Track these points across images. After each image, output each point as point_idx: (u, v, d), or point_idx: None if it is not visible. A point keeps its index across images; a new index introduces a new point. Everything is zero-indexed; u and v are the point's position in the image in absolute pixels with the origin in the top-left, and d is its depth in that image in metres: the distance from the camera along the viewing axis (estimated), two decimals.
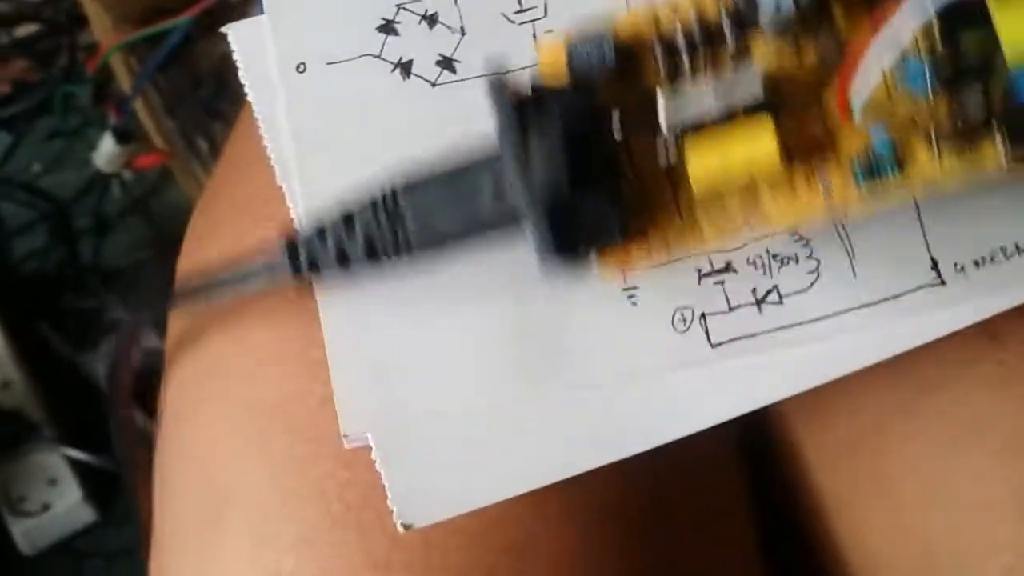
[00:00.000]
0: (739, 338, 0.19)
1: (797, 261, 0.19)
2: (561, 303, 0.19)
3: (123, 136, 0.54)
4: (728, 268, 0.19)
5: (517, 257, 0.18)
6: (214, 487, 0.20)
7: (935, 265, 0.19)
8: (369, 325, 0.19)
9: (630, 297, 0.19)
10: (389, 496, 0.18)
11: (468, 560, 0.19)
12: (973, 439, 0.20)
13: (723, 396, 0.18)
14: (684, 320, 0.19)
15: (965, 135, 0.16)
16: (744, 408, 0.18)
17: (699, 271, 0.19)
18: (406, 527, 0.18)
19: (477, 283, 0.19)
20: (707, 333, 0.19)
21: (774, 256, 0.19)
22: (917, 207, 0.19)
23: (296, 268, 0.18)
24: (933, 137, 0.16)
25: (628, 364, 0.18)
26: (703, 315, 0.19)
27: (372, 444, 0.18)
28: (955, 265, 0.18)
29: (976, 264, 0.19)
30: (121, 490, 0.56)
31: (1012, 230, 0.19)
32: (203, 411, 0.21)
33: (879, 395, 0.21)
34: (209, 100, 0.49)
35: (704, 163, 0.16)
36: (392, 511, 0.18)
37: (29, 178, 0.64)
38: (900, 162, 0.16)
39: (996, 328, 0.19)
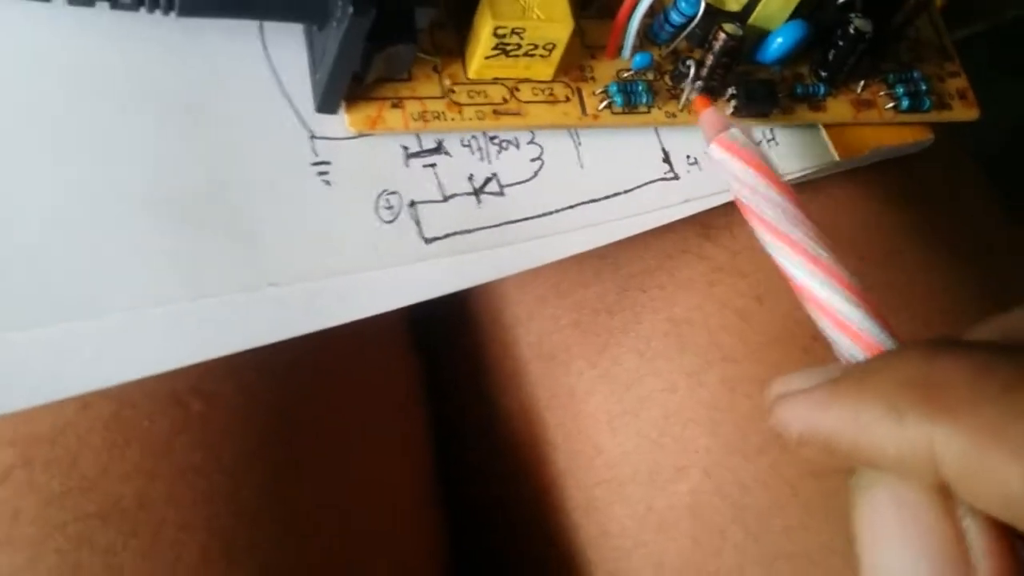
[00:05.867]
0: (456, 233, 0.15)
1: (518, 146, 0.16)
2: (244, 167, 0.14)
3: None
4: (440, 149, 0.15)
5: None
6: None
7: (667, 157, 0.16)
8: None
9: (321, 174, 0.14)
10: None
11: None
12: (673, 344, 0.18)
13: (424, 282, 0.15)
14: (390, 207, 0.15)
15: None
16: (445, 290, 0.15)
17: (405, 149, 0.15)
18: None
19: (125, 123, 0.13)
20: (419, 224, 0.15)
21: (491, 138, 0.16)
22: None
23: None
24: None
25: (320, 259, 0.14)
26: (412, 203, 0.15)
27: None
28: (687, 157, 0.16)
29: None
30: None
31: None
32: None
33: (595, 279, 0.19)
34: None
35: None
36: None
37: None
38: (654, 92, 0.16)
39: (709, 221, 0.17)
